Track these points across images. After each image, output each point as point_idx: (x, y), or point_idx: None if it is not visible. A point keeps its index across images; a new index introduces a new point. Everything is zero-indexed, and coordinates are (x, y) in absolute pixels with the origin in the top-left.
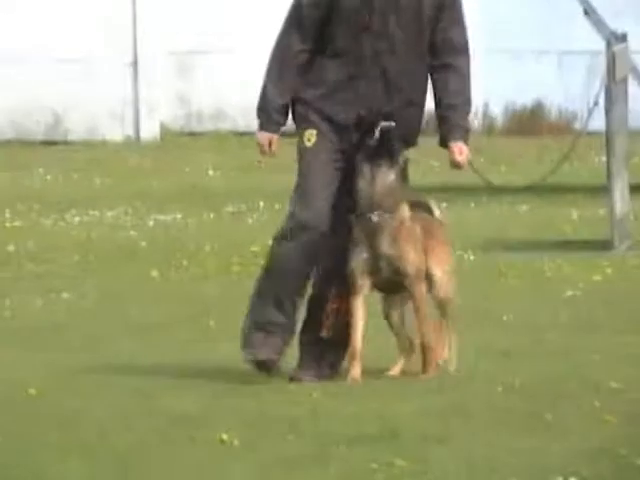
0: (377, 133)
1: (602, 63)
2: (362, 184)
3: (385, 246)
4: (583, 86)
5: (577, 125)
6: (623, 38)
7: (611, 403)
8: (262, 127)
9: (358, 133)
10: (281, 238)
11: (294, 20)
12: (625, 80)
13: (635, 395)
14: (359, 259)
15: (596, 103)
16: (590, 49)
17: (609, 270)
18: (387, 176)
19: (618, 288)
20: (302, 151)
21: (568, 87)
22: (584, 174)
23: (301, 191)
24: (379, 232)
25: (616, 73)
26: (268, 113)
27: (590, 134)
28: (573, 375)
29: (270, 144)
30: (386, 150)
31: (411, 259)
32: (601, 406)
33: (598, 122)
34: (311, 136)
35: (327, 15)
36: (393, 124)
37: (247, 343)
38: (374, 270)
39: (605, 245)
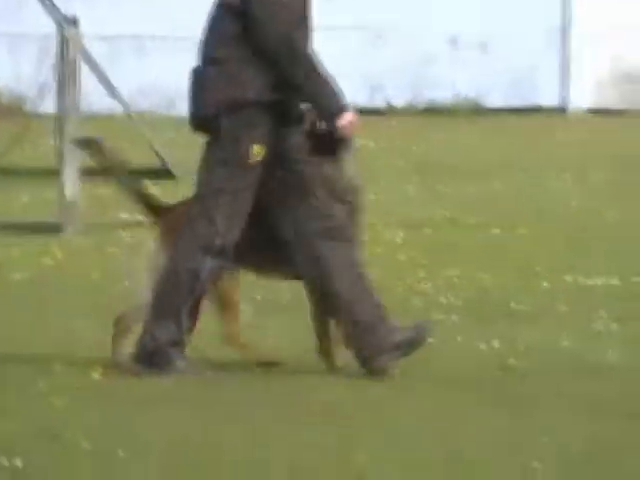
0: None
1: (54, 46)
2: None
3: None
4: (34, 69)
5: (28, 108)
6: (74, 22)
7: (59, 386)
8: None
9: None
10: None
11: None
12: (76, 63)
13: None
14: None
15: (48, 87)
16: (42, 32)
17: (59, 254)
18: None
19: (68, 272)
20: None
21: (19, 70)
22: (36, 157)
23: None
24: None
25: (67, 56)
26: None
27: (42, 117)
28: (21, 357)
29: None
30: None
31: None
32: (48, 389)
33: (50, 105)
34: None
35: None
36: None
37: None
38: None
39: (55, 228)
